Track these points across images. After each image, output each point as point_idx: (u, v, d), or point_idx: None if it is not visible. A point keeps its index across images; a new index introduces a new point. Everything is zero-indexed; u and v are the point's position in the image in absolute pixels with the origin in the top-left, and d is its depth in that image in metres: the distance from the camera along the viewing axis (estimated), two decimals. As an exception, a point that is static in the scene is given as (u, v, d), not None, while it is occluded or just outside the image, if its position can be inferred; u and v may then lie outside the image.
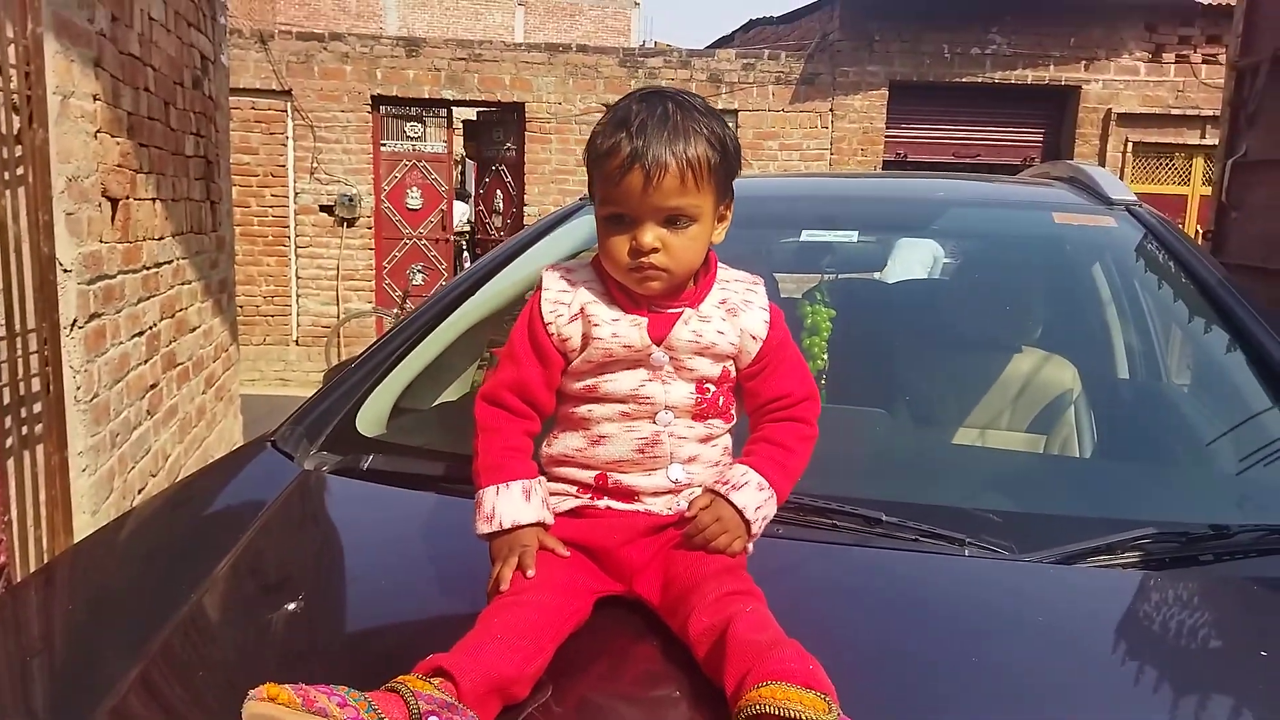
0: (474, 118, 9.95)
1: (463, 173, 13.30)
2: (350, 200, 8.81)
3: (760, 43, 10.36)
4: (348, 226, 8.96)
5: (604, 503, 1.05)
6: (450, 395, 2.12)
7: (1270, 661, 0.98)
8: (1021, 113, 9.04)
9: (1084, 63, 8.76)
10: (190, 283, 3.79)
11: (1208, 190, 8.71)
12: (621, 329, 1.03)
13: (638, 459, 1.04)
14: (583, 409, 1.06)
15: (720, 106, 9.23)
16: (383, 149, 9.09)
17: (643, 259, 1.00)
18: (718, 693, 0.85)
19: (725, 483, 1.04)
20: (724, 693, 0.83)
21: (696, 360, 1.05)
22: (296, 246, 8.96)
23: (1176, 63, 8.69)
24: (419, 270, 8.89)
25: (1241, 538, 1.20)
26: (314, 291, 9.09)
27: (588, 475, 1.05)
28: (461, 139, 10.72)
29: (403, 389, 1.83)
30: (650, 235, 1.00)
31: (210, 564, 1.18)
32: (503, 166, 9.54)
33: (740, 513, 1.02)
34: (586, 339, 1.04)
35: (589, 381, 1.05)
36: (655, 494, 1.04)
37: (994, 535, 1.19)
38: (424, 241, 9.27)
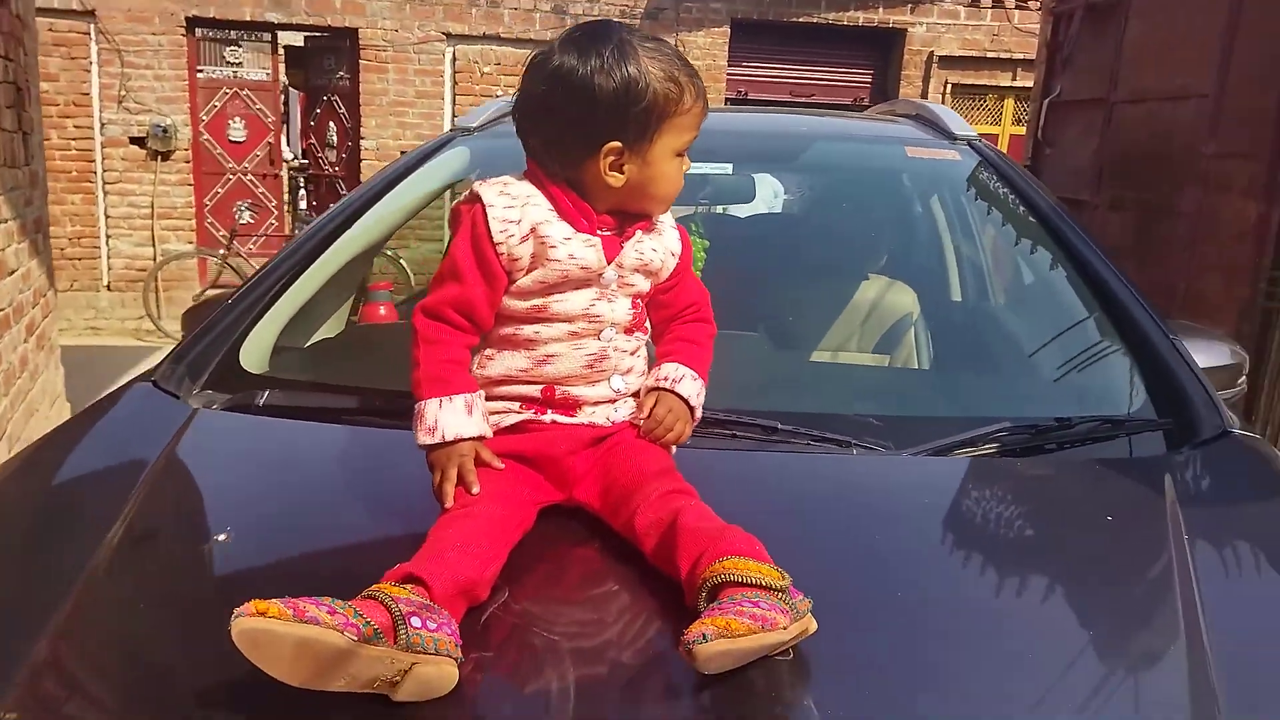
0: (300, 43, 9.38)
1: (286, 103, 12.53)
2: (164, 131, 8.16)
3: (601, -26, 10.23)
4: (163, 160, 8.31)
5: (549, 417, 1.09)
6: (327, 332, 2.08)
7: (1113, 524, 1.16)
8: (853, 53, 9.41)
9: (909, 6, 9.18)
10: (5, 221, 3.45)
11: (1018, 129, 9.41)
12: (577, 249, 1.06)
13: (584, 373, 1.09)
14: (528, 330, 1.08)
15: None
16: (200, 76, 8.45)
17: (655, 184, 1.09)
18: (663, 581, 0.93)
19: (666, 379, 1.13)
20: (676, 576, 0.91)
21: (635, 277, 1.11)
22: (105, 182, 8.25)
23: (993, 7, 9.24)
24: (246, 208, 8.38)
25: (1081, 428, 1.38)
26: (126, 232, 8.41)
27: (534, 390, 1.09)
28: (286, 66, 10.10)
29: (281, 327, 1.79)
30: (671, 163, 1.09)
31: (117, 504, 1.14)
32: (335, 97, 9.07)
33: (686, 401, 1.12)
34: (537, 259, 1.05)
35: (536, 302, 1.07)
36: (597, 403, 1.10)
37: (874, 436, 1.33)
38: (250, 177, 8.74)
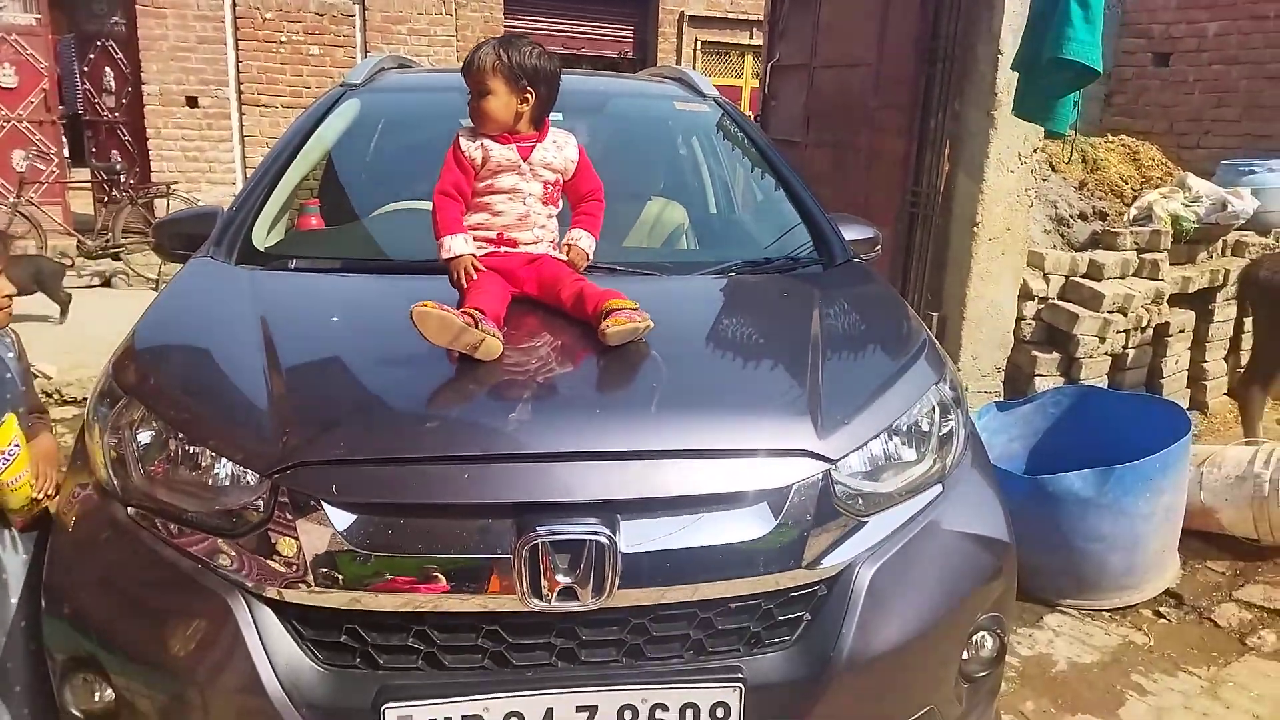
0: (65, -14, 9.16)
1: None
2: (-74, 77, 7.87)
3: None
4: (-73, 107, 8.01)
5: (503, 249, 2.08)
6: (278, 235, 2.89)
7: (788, 297, 2.32)
8: (616, 12, 10.50)
9: (661, -31, 10.34)
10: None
11: (756, 82, 10.90)
12: (505, 153, 2.06)
13: (518, 224, 2.09)
14: (485, 198, 2.07)
15: (345, -10, 9.50)
16: (-41, 20, 8.16)
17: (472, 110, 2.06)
18: (578, 321, 1.95)
19: (576, 239, 2.15)
20: (585, 316, 1.92)
21: (542, 170, 2.11)
22: None
23: (730, -26, 10.61)
24: (29, 156, 8.24)
25: (778, 262, 2.55)
26: (-109, 182, 8.07)
27: (492, 234, 2.08)
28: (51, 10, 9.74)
29: (267, 227, 2.63)
30: (476, 101, 2.05)
31: (254, 318, 1.98)
32: (110, 42, 9.00)
33: (586, 252, 2.16)
34: (485, 160, 2.05)
35: (488, 182, 2.06)
36: (527, 243, 2.10)
37: (674, 270, 2.43)
38: (26, 124, 8.58)
